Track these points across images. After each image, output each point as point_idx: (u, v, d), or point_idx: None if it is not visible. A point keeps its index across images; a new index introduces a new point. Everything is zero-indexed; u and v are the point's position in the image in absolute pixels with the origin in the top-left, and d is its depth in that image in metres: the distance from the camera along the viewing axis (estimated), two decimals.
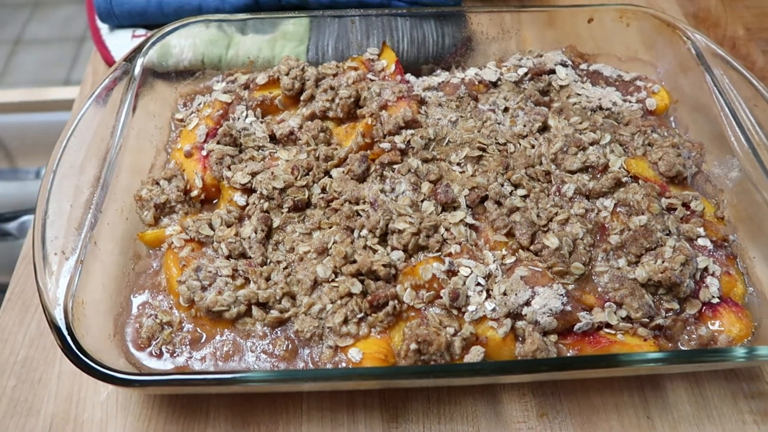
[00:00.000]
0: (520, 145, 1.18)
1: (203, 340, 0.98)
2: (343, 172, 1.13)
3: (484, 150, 1.16)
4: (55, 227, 0.97)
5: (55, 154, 1.06)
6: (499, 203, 1.09)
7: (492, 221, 1.06)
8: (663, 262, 1.00)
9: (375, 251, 1.03)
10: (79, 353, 0.84)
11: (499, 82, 1.30)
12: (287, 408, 0.99)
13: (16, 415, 0.98)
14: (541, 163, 1.16)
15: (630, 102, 1.29)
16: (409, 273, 1.00)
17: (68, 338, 0.85)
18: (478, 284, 0.98)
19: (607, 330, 0.97)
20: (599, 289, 1.01)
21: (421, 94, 1.26)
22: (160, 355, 0.96)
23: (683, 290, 0.99)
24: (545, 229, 1.05)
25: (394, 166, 1.14)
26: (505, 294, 0.97)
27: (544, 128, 1.22)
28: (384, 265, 0.99)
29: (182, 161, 1.17)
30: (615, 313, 0.98)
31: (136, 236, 1.08)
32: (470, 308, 0.96)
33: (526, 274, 0.99)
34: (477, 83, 1.29)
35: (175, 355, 0.96)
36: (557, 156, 1.16)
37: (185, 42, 1.30)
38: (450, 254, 1.02)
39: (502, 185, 1.10)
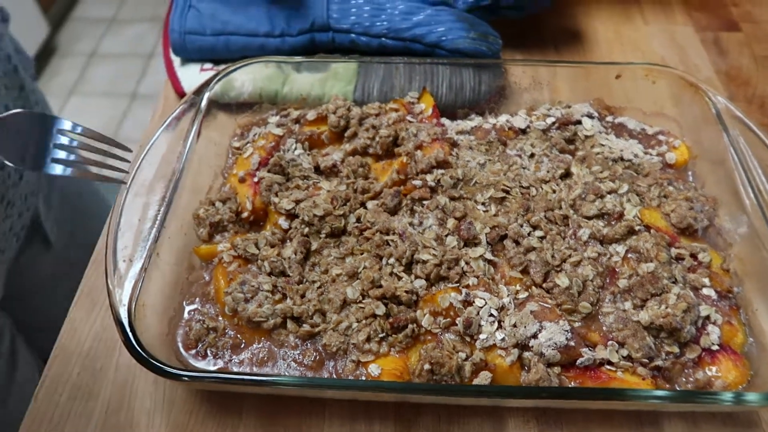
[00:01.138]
0: (542, 189, 1.28)
1: (242, 346, 1.11)
2: (377, 204, 1.25)
3: (507, 192, 1.27)
4: (125, 238, 1.13)
5: (130, 173, 1.22)
6: (517, 242, 1.18)
7: (509, 258, 1.16)
8: (666, 307, 1.08)
9: (400, 278, 1.14)
10: (138, 348, 0.98)
11: (528, 129, 1.41)
12: (311, 414, 1.10)
13: (78, 399, 1.13)
14: (560, 208, 1.25)
15: (651, 155, 1.37)
16: (429, 300, 1.11)
17: (130, 334, 0.99)
18: (491, 315, 1.08)
19: (608, 367, 1.05)
20: (604, 328, 1.09)
21: (454, 137, 1.38)
22: (204, 356, 1.10)
23: (684, 335, 1.06)
24: (558, 269, 1.15)
25: (424, 202, 1.25)
26: (515, 326, 1.07)
27: (567, 175, 1.32)
28: (407, 292, 1.10)
29: (236, 185, 1.32)
30: (617, 351, 1.06)
31: (191, 250, 1.23)
32: (482, 336, 1.06)
33: (536, 309, 1.09)
34: (507, 129, 1.40)
35: (217, 357, 1.09)
36: (576, 202, 1.25)
37: (246, 77, 1.45)
38: (468, 286, 1.12)
39: (522, 226, 1.20)
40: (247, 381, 0.98)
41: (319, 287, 1.15)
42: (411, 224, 1.21)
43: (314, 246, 1.21)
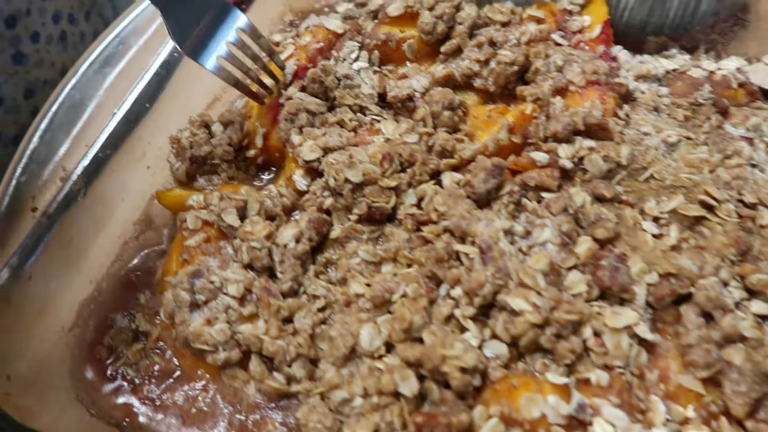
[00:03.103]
0: None
1: (175, 377, 0.67)
2: (459, 182, 0.70)
3: (710, 208, 0.66)
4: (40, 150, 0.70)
5: (85, 55, 0.78)
6: (710, 317, 0.60)
7: (686, 346, 0.59)
8: None
9: (462, 330, 0.62)
10: None
11: None
12: None
13: None
14: None
15: None
16: (504, 393, 0.58)
17: None
18: None
19: None
20: None
21: (629, 84, 0.77)
22: (112, 378, 0.67)
23: None
24: None
25: (543, 195, 0.69)
26: None
27: None
28: (463, 370, 0.57)
29: (254, 103, 0.83)
30: None
31: (153, 194, 0.78)
32: None
33: None
34: (735, 86, 0.76)
35: (131, 385, 0.66)
36: None
37: None
38: (587, 382, 0.57)
39: (726, 285, 0.61)
40: None
41: (322, 310, 0.66)
42: (509, 232, 0.66)
43: (335, 232, 0.71)
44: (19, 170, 0.69)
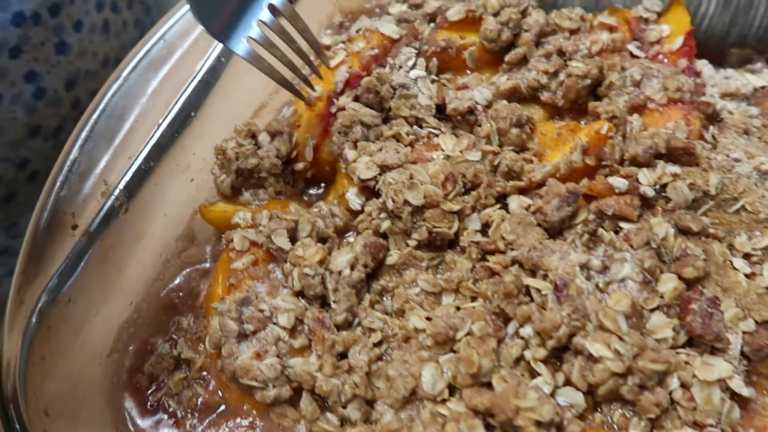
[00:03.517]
0: None
1: (219, 411, 0.62)
2: (527, 208, 0.65)
3: None
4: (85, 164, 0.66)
5: (128, 58, 0.73)
6: None
7: None
8: None
9: (531, 374, 0.56)
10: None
11: None
12: None
13: None
14: None
15: None
16: None
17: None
18: None
19: None
20: None
21: (715, 102, 0.70)
22: (153, 411, 0.63)
23: None
24: None
25: (622, 225, 0.63)
26: None
27: None
28: (539, 423, 0.52)
29: (303, 111, 0.78)
30: None
31: (196, 208, 0.73)
32: None
33: None
34: None
35: (172, 418, 0.62)
36: None
37: None
38: None
39: None
40: None
41: (378, 344, 0.61)
42: (585, 267, 0.60)
43: (392, 258, 0.66)
44: (58, 184, 0.64)
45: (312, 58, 0.74)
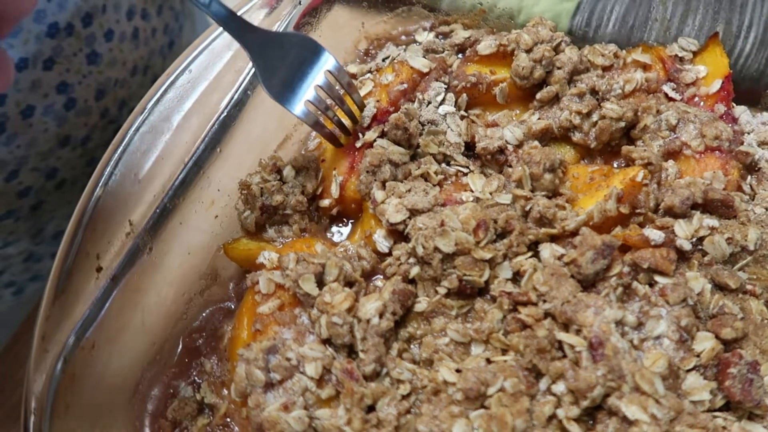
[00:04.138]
0: None
1: None
2: (560, 257, 0.64)
3: None
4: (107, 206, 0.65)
5: (153, 91, 0.72)
6: None
7: None
8: None
9: None
10: None
11: None
12: None
13: None
14: None
15: None
16: None
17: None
18: None
19: None
20: None
21: (754, 152, 0.69)
22: None
23: None
24: None
25: (657, 279, 0.62)
26: None
27: None
28: None
29: (327, 145, 0.77)
30: None
31: (220, 245, 0.72)
32: None
33: None
34: None
35: None
36: None
37: None
38: None
39: None
40: None
41: (406, 396, 0.60)
42: (620, 323, 0.59)
43: (421, 306, 0.64)
44: (84, 224, 0.63)
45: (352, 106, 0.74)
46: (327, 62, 0.69)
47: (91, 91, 0.90)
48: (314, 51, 0.69)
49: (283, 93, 0.66)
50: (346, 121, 0.74)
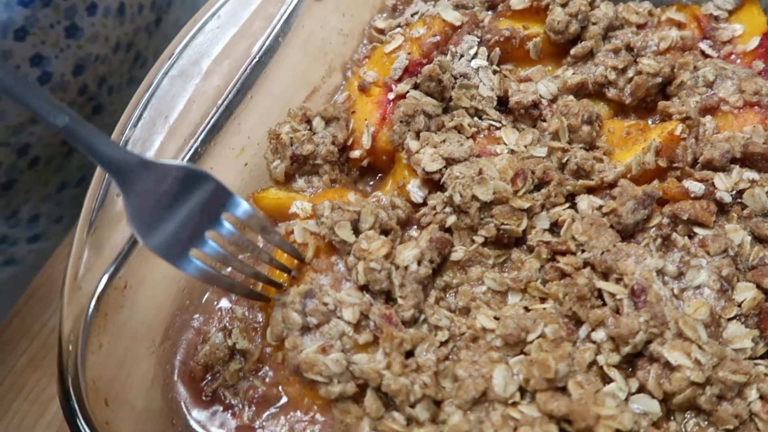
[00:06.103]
0: None
1: (279, 404, 0.61)
2: (599, 208, 0.63)
3: None
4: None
5: (181, 36, 0.70)
6: None
7: None
8: None
9: (604, 380, 0.55)
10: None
11: None
12: None
13: None
14: None
15: None
16: None
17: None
18: None
19: None
20: None
21: None
22: (210, 403, 0.61)
23: None
24: None
25: (696, 231, 0.61)
26: None
27: None
28: None
29: (357, 97, 0.76)
30: None
31: (250, 194, 0.71)
32: None
33: None
34: None
35: (229, 409, 0.60)
36: None
37: None
38: None
39: None
40: None
41: (445, 343, 0.59)
42: (661, 272, 0.58)
43: (458, 254, 0.64)
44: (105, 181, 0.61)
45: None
46: (234, 206, 0.56)
47: (69, 65, 0.86)
48: (215, 191, 0.54)
49: (167, 243, 0.51)
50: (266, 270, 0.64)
